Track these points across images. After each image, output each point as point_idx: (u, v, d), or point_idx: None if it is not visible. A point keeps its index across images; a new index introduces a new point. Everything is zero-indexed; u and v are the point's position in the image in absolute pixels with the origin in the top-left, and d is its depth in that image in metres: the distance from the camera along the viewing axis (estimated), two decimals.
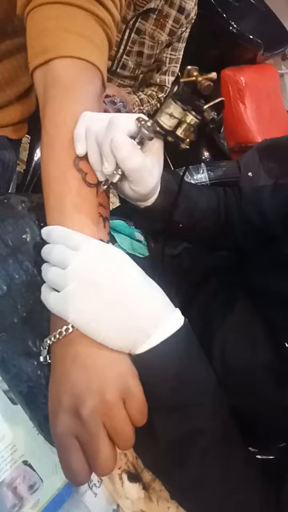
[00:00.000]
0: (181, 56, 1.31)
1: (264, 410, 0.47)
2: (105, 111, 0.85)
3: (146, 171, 0.41)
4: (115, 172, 0.39)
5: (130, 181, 0.42)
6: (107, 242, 0.40)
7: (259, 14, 1.81)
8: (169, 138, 0.40)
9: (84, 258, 0.34)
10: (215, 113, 0.38)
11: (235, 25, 1.55)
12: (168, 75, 1.32)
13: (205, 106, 0.38)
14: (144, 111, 1.34)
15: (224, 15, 1.54)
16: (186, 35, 1.26)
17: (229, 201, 0.60)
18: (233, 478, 0.38)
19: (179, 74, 1.37)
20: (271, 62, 1.95)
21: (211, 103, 0.38)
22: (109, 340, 0.33)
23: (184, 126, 0.38)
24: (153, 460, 0.42)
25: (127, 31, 1.15)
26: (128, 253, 0.36)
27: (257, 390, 0.48)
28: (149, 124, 0.38)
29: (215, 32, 1.58)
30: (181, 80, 0.39)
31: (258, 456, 0.44)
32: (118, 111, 0.81)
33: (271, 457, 0.45)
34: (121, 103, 0.82)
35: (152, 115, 1.38)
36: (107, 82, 0.49)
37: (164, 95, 1.36)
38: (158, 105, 1.37)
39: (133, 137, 0.39)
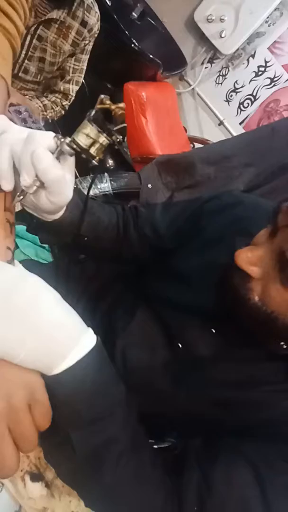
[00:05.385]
0: (85, 67, 1.34)
1: (160, 406, 0.52)
2: (11, 120, 0.83)
3: (64, 182, 0.44)
4: (32, 183, 0.42)
5: (49, 192, 0.43)
6: (13, 250, 0.41)
7: (159, 36, 1.93)
8: (83, 155, 0.45)
9: None
10: (122, 137, 0.45)
11: (136, 43, 1.62)
12: (72, 84, 1.34)
13: (114, 129, 0.44)
14: (48, 117, 1.34)
15: (126, 32, 1.61)
16: (89, 48, 1.29)
17: (127, 218, 0.66)
18: (142, 478, 0.42)
19: (84, 82, 1.40)
20: (169, 81, 2.08)
21: (118, 127, 0.45)
22: (26, 364, 0.34)
23: (97, 145, 0.45)
24: (70, 472, 0.44)
25: (29, 36, 1.13)
26: (31, 260, 0.38)
27: (155, 389, 0.53)
28: (67, 141, 0.42)
29: (118, 47, 1.64)
30: (97, 106, 0.45)
31: (155, 446, 0.49)
32: (24, 120, 0.81)
33: (165, 445, 0.51)
34: (26, 113, 0.82)
35: (56, 121, 1.39)
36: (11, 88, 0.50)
37: (69, 103, 1.37)
38: (63, 112, 1.38)
39: (51, 153, 0.42)
